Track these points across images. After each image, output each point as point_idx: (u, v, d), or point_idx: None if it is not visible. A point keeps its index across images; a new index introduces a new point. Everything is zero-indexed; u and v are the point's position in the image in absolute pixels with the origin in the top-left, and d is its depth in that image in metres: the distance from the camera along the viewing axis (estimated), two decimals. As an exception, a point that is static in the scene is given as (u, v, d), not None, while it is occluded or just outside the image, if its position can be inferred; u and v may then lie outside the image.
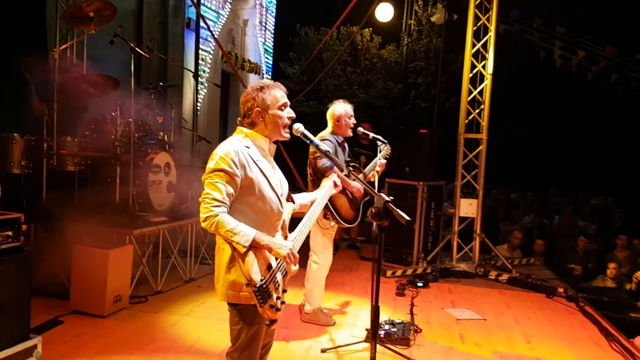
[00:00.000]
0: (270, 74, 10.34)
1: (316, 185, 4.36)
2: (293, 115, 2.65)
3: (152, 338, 4.04)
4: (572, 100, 13.54)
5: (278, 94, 2.59)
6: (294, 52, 14.46)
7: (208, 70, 8.21)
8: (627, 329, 5.25)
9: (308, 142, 2.83)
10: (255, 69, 9.42)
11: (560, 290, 6.10)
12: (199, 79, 7.75)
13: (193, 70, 7.45)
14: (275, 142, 2.67)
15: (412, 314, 4.99)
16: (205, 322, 4.45)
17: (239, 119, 2.62)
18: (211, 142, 6.68)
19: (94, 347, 3.81)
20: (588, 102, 13.53)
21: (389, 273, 6.20)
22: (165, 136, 5.79)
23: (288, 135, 2.68)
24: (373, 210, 2.29)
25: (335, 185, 3.01)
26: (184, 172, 5.79)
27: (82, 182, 5.00)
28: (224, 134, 9.12)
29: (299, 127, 2.71)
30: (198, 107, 7.91)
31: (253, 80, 9.70)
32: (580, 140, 13.62)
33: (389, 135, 4.77)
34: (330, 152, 2.93)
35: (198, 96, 7.95)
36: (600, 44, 13.16)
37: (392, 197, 2.21)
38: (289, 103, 2.63)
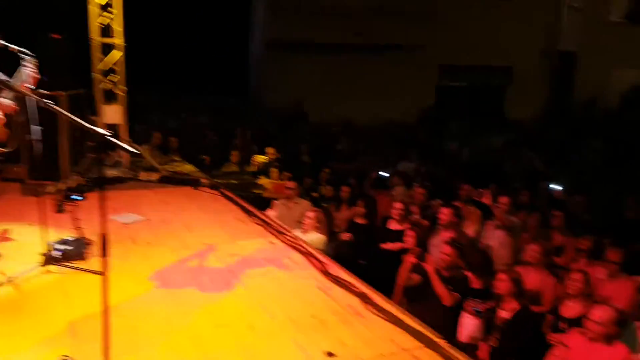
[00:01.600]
0: None
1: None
2: None
3: None
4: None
5: None
6: None
7: None
8: (257, 203, 6.65)
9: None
10: None
11: (204, 181, 7.05)
12: None
13: None
14: None
15: (79, 228, 5.00)
16: None
17: None
18: None
19: None
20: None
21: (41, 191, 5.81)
22: None
23: None
24: (90, 145, 2.33)
25: None
26: None
27: None
28: None
29: None
30: None
31: None
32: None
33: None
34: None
35: None
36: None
37: (111, 132, 2.29)
38: None
